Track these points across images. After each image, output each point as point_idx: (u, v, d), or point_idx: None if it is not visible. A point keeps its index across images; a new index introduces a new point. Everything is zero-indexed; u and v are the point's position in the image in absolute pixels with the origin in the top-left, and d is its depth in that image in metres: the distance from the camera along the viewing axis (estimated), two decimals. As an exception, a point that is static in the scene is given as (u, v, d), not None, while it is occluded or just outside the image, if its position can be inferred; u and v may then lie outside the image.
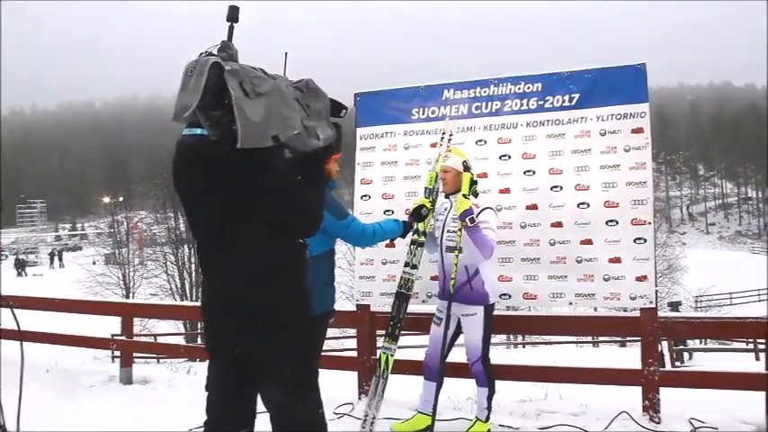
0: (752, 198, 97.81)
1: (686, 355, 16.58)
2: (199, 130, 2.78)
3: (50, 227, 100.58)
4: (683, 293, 32.34)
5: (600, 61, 5.39)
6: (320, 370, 5.77)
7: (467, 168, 4.68)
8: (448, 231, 4.69)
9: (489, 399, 4.70)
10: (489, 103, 5.39)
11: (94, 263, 32.11)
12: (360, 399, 5.58)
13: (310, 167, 3.04)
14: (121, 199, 43.80)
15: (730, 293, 39.01)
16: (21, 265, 48.53)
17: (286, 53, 3.11)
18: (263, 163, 2.77)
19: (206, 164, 2.80)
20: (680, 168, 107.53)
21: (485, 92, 5.41)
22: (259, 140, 2.64)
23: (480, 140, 5.40)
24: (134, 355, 7.54)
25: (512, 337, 18.16)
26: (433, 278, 5.15)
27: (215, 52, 2.71)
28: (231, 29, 2.80)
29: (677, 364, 16.07)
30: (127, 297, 26.17)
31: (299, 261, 3.05)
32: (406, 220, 4.64)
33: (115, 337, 8.48)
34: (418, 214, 4.62)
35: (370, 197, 5.77)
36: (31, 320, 7.71)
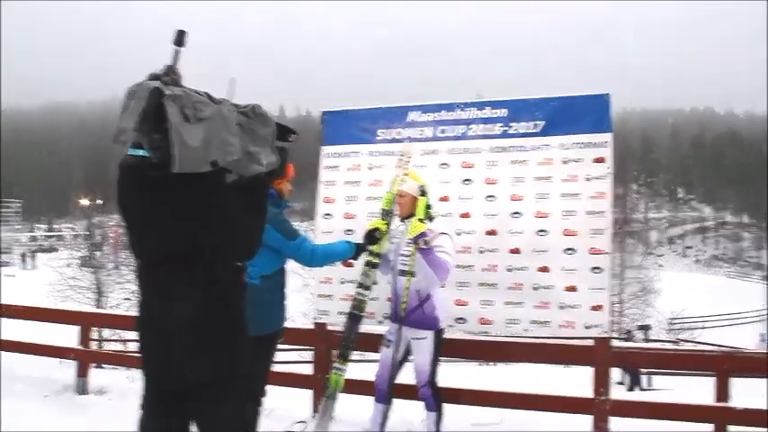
0: (729, 223, 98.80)
1: (645, 378, 16.62)
2: (141, 152, 2.78)
3: (26, 227, 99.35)
4: (657, 316, 32.47)
5: (580, 86, 5.42)
6: (275, 387, 5.80)
7: (423, 193, 4.68)
8: (401, 255, 4.68)
9: (438, 423, 4.68)
10: (454, 127, 5.41)
11: (69, 265, 31.68)
12: (314, 417, 5.53)
13: (252, 192, 3.04)
14: (100, 202, 43.40)
15: (703, 317, 39.28)
16: None
17: (232, 78, 3.10)
18: (203, 187, 2.77)
19: (146, 186, 2.80)
20: (659, 191, 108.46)
21: (450, 116, 5.43)
22: (196, 165, 2.64)
23: (444, 164, 5.40)
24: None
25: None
26: (389, 299, 5.14)
27: (160, 75, 2.70)
28: (177, 53, 2.79)
29: (636, 388, 16.14)
30: (98, 301, 25.86)
31: (237, 284, 3.05)
32: (360, 242, 4.63)
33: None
34: (371, 237, 4.62)
35: (332, 216, 5.76)
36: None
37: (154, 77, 2.68)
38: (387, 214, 4.81)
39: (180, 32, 2.82)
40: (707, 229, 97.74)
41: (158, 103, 2.57)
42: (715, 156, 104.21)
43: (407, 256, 4.58)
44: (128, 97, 2.65)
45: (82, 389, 6.89)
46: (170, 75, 2.70)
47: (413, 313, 4.60)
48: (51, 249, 66.91)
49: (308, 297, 11.24)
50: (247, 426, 3.15)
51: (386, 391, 4.74)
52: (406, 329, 4.61)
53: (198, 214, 2.82)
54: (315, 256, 4.35)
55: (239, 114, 2.92)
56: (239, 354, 3.04)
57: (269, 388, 5.75)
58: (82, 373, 6.97)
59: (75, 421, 5.61)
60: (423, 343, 4.63)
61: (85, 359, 7.00)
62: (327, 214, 5.79)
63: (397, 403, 4.98)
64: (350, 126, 5.77)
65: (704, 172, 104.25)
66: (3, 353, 7.68)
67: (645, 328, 24.72)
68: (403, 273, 4.60)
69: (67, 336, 7.39)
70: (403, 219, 4.76)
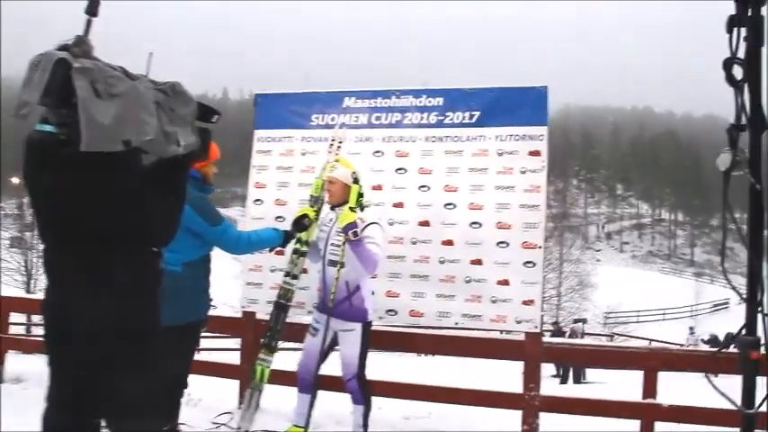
0: (665, 220, 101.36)
1: (580, 372, 16.91)
2: (48, 127, 2.62)
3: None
4: (593, 310, 33.24)
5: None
6: (203, 377, 5.61)
7: (356, 181, 4.54)
8: (331, 245, 4.54)
9: (365, 416, 4.57)
10: (389, 115, 5.29)
11: (-2, 248, 30.61)
12: (240, 408, 5.39)
13: (169, 175, 2.87)
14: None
15: (638, 311, 40.39)
16: None
17: (150, 53, 2.90)
18: (115, 167, 2.60)
19: (53, 164, 2.63)
20: (599, 187, 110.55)
21: (386, 103, 5.31)
22: (107, 143, 2.46)
23: (378, 152, 5.28)
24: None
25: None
26: (319, 289, 5.01)
27: (69, 45, 2.51)
28: (89, 23, 2.60)
29: (570, 383, 16.41)
30: (28, 284, 25.09)
31: (151, 270, 2.88)
32: (288, 229, 4.48)
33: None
34: (300, 224, 4.49)
35: (262, 202, 5.58)
36: None
37: (62, 48, 2.49)
38: (316, 201, 4.69)
39: (92, 1, 2.63)
40: (644, 226, 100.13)
41: (65, 75, 2.39)
42: (653, 155, 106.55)
43: (337, 246, 4.44)
44: (31, 68, 2.46)
45: (-3, 377, 6.58)
46: (80, 46, 2.50)
47: (341, 304, 4.46)
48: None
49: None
50: (162, 414, 2.95)
51: (310, 381, 4.63)
52: (334, 321, 4.46)
53: (109, 196, 2.66)
54: (240, 243, 4.19)
55: (157, 92, 2.73)
56: (153, 344, 2.87)
57: (196, 377, 5.61)
58: (-5, 360, 6.65)
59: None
60: (350, 335, 4.50)
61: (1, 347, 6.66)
62: (258, 200, 5.61)
63: (324, 395, 4.85)
64: (283, 110, 5.59)
65: (643, 170, 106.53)
66: None
67: (581, 321, 25.23)
68: (332, 263, 4.47)
69: None
70: (333, 206, 4.60)
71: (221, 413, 5.29)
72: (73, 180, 2.62)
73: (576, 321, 24.90)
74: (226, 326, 6.46)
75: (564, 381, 16.62)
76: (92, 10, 2.65)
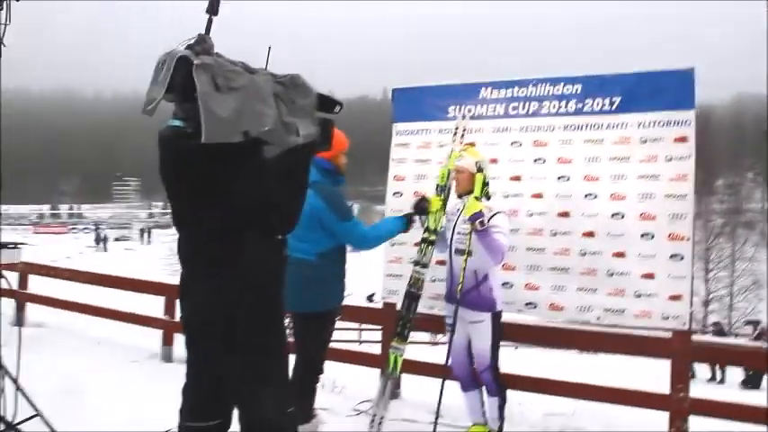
0: None
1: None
2: (176, 122, 2.79)
3: (144, 204, 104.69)
4: (769, 312, 30.62)
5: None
6: (346, 365, 5.78)
7: (480, 169, 4.49)
8: (458, 233, 4.52)
9: (501, 408, 4.50)
10: (526, 104, 5.18)
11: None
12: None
13: (291, 166, 2.96)
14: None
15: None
16: (99, 241, 49.69)
17: (269, 47, 3.03)
18: (238, 158, 2.72)
19: (180, 156, 2.78)
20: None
21: (522, 92, 5.20)
22: (226, 135, 2.58)
23: (515, 142, 5.19)
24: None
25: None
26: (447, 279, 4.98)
27: (192, 44, 2.67)
28: (210, 21, 2.76)
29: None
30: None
31: (275, 258, 2.99)
32: (408, 212, 4.56)
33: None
34: (420, 207, 4.51)
35: (402, 194, 5.65)
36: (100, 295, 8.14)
37: (186, 47, 2.65)
38: (443, 190, 4.69)
39: (213, 0, 2.78)
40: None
41: (187, 71, 2.53)
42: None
43: (464, 234, 4.40)
44: (157, 67, 2.63)
45: (167, 357, 7.17)
46: (201, 44, 2.66)
47: (469, 294, 4.41)
48: (167, 226, 70.32)
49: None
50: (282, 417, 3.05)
51: (468, 377, 4.64)
52: (462, 311, 4.42)
53: (233, 186, 2.77)
54: (366, 240, 4.28)
55: (276, 84, 2.84)
56: (276, 329, 2.99)
57: (342, 366, 5.79)
58: (167, 341, 7.23)
59: (160, 386, 5.80)
60: (481, 326, 4.44)
61: (170, 329, 7.22)
62: (397, 192, 5.69)
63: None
64: (420, 103, 5.63)
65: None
66: (97, 320, 8.13)
67: (754, 323, 23.28)
68: (460, 252, 4.44)
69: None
70: (460, 195, 4.58)
71: (362, 401, 5.43)
72: (198, 171, 2.76)
73: (748, 323, 23.08)
74: (368, 317, 6.60)
75: (722, 381, 15.42)
76: (212, 9, 2.81)
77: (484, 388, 4.59)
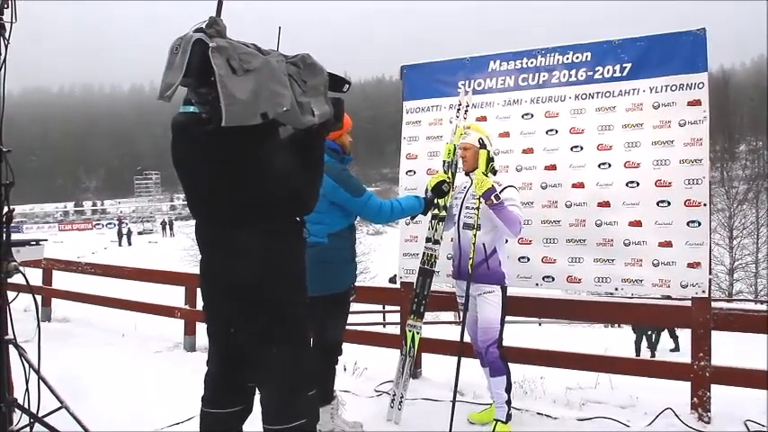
0: None
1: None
2: (191, 108, 2.78)
3: (166, 197, 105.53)
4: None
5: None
6: (362, 346, 5.78)
7: (483, 146, 4.43)
8: (466, 208, 4.47)
9: (508, 390, 4.36)
10: (536, 75, 5.11)
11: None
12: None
13: (307, 146, 2.95)
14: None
15: None
16: (121, 236, 49.91)
17: (279, 27, 3.00)
18: (255, 140, 2.71)
19: (196, 142, 2.77)
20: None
21: (531, 63, 5.13)
22: (246, 118, 2.54)
23: (527, 114, 5.13)
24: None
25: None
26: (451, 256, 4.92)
27: (203, 28, 2.64)
28: (220, 4, 2.72)
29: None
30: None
31: (294, 240, 2.98)
32: (428, 195, 4.48)
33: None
34: (439, 190, 4.47)
35: (414, 172, 5.63)
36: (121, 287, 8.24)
37: (197, 30, 2.60)
38: (449, 166, 4.67)
39: None
40: None
41: (204, 54, 2.50)
42: None
43: (472, 209, 4.36)
44: (172, 52, 2.60)
45: (190, 346, 7.23)
46: (214, 27, 2.62)
47: (479, 267, 4.36)
48: (189, 217, 70.82)
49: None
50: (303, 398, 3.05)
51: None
52: (473, 286, 4.36)
53: (251, 169, 2.75)
54: (382, 212, 4.23)
55: (289, 65, 2.81)
56: (293, 312, 2.98)
57: (363, 348, 5.78)
58: (189, 331, 7.29)
59: (183, 375, 5.86)
60: (489, 298, 4.34)
61: (192, 318, 7.27)
62: (410, 171, 5.66)
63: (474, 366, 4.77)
64: (429, 80, 5.58)
65: None
66: (121, 312, 8.22)
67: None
68: (468, 226, 4.39)
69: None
70: (467, 172, 4.53)
71: (384, 382, 5.44)
72: (216, 155, 2.74)
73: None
74: (386, 297, 6.58)
75: None
76: None
77: (487, 369, 4.48)
